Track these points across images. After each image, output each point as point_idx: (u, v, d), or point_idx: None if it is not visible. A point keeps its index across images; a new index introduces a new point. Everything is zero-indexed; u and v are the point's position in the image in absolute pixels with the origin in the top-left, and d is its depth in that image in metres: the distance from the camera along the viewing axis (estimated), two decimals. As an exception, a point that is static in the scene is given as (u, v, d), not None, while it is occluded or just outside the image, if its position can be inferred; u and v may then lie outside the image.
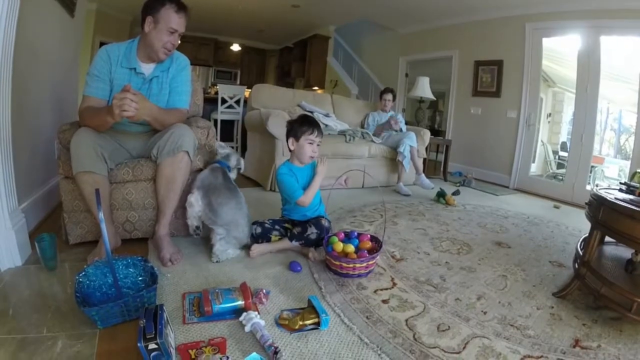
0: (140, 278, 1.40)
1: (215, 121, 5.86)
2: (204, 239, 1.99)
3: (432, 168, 5.82)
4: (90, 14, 6.52)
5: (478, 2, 5.37)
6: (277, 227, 2.02)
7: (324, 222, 1.93)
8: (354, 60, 8.17)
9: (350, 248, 1.77)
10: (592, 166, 4.79)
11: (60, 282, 1.53)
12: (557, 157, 5.98)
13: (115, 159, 1.85)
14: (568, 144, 6.07)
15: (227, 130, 6.03)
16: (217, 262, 1.76)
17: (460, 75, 6.19)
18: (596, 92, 4.48)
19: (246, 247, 1.91)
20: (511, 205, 3.86)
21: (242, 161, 2.06)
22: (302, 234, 1.89)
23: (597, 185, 4.79)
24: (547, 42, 5.11)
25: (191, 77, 2.11)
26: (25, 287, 1.48)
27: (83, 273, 1.35)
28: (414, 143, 4.02)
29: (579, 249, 1.81)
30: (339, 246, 1.78)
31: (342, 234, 1.96)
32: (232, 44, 9.19)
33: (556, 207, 4.05)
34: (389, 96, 4.50)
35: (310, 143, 1.95)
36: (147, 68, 1.91)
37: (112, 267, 1.17)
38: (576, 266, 1.76)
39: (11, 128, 1.65)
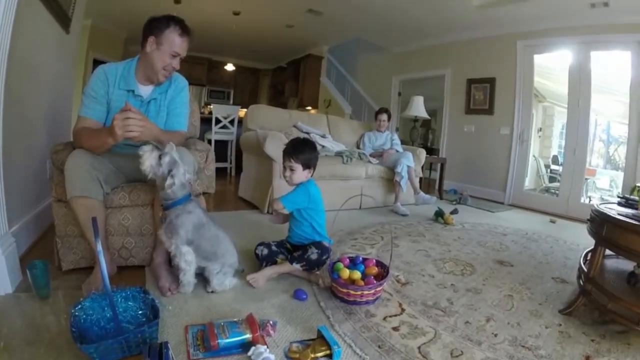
0: (140, 312, 1.33)
1: (210, 141, 5.83)
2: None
3: (426, 185, 5.81)
4: (85, 29, 6.48)
5: (470, 21, 5.47)
6: (281, 249, 1.98)
7: (325, 243, 1.89)
8: (346, 80, 8.21)
9: (357, 275, 1.72)
10: (585, 178, 4.85)
11: (53, 311, 1.44)
12: (549, 170, 6.07)
13: (111, 182, 1.80)
14: (559, 158, 6.23)
15: (221, 151, 5.99)
16: (212, 292, 1.70)
17: (453, 94, 6.26)
18: (588, 106, 4.60)
19: (238, 272, 1.85)
20: (508, 221, 3.87)
21: (185, 171, 1.66)
22: (303, 255, 1.83)
23: (589, 198, 4.87)
24: (537, 58, 5.22)
25: (189, 98, 2.07)
26: (17, 317, 1.40)
27: (79, 306, 1.28)
28: (411, 163, 4.01)
29: (582, 265, 1.80)
30: (345, 273, 1.73)
31: (347, 260, 1.91)
32: (225, 64, 9.20)
33: (552, 221, 4.09)
34: (384, 116, 4.50)
35: (284, 167, 1.96)
36: (146, 90, 1.87)
37: (112, 302, 1.10)
38: (581, 282, 1.76)
39: (2, 146, 1.59)
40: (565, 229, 3.79)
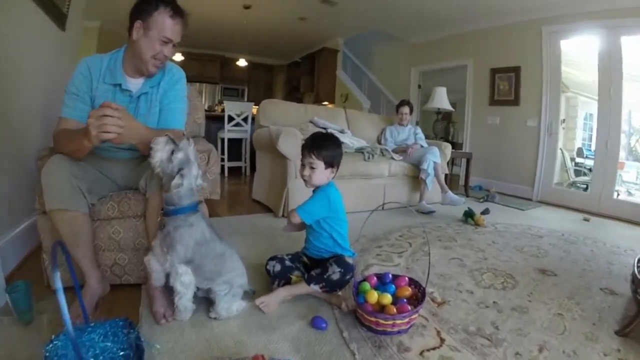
0: (122, 353, 1.07)
1: (222, 140, 5.63)
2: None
3: (448, 182, 5.47)
4: (94, 31, 6.37)
5: (491, 8, 5.14)
6: (297, 264, 1.71)
7: (348, 259, 1.59)
8: (363, 73, 7.95)
9: (387, 299, 1.44)
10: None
11: (36, 338, 1.24)
12: (574, 163, 5.75)
13: (98, 191, 1.57)
14: (584, 150, 5.97)
15: (234, 150, 5.79)
16: (215, 318, 1.44)
17: (475, 84, 5.93)
18: (620, 95, 4.30)
19: (248, 294, 1.59)
20: (540, 220, 3.63)
21: (198, 175, 1.44)
22: (322, 275, 1.54)
23: (617, 192, 4.56)
24: (562, 44, 4.90)
25: (187, 91, 1.80)
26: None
27: (51, 345, 1.05)
28: (438, 159, 3.70)
29: (637, 273, 1.55)
30: (373, 296, 1.45)
31: (375, 278, 1.62)
32: (238, 60, 9.00)
33: (586, 219, 3.86)
34: (406, 109, 4.20)
35: (302, 165, 1.69)
36: (135, 84, 1.62)
37: (79, 353, 0.85)
38: (638, 297, 1.50)
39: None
40: (601, 228, 3.55)
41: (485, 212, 3.50)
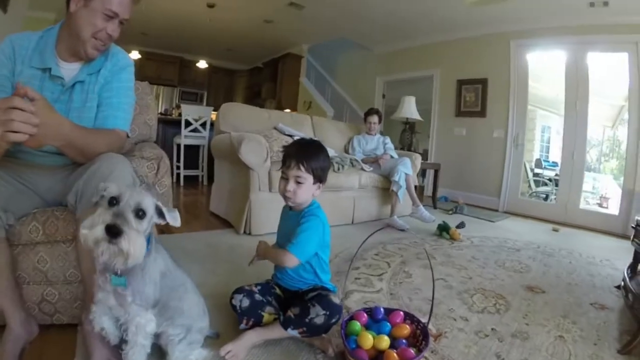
0: None
1: (179, 146, 5.25)
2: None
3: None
4: (47, 23, 5.84)
5: (460, 19, 5.14)
6: (269, 297, 1.37)
7: (334, 299, 1.28)
8: (327, 81, 7.79)
9: (385, 342, 1.17)
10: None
11: None
12: (532, 174, 5.95)
13: (19, 207, 1.22)
14: (542, 161, 6.35)
15: (191, 157, 5.41)
16: None
17: (442, 95, 5.92)
18: (586, 108, 4.44)
19: (210, 338, 1.28)
20: (512, 232, 3.63)
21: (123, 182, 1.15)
22: (303, 318, 1.22)
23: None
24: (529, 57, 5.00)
25: (134, 84, 1.47)
26: None
27: None
28: (409, 170, 3.52)
29: (632, 288, 1.59)
30: (367, 340, 1.17)
31: (365, 316, 1.34)
32: (198, 62, 8.58)
33: (555, 230, 3.90)
34: (374, 118, 4.02)
35: (284, 178, 1.37)
36: (69, 69, 1.30)
37: None
38: (636, 313, 1.53)
39: None
40: (571, 238, 3.62)
41: (461, 225, 3.35)
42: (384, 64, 6.94)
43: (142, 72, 8.04)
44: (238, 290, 1.34)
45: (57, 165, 1.32)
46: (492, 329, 1.56)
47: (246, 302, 1.31)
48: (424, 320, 1.36)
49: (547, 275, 2.34)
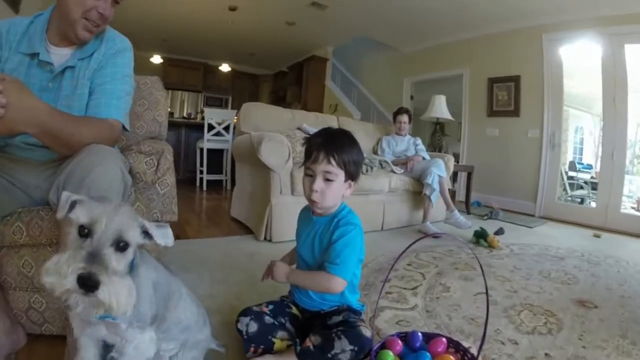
0: None
1: (202, 150, 5.16)
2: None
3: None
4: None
5: (488, 15, 4.88)
6: (282, 319, 1.15)
7: (364, 331, 1.03)
8: (353, 84, 7.61)
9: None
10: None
11: None
12: (567, 177, 5.62)
13: (3, 205, 1.09)
14: (576, 164, 6.05)
15: (215, 161, 5.31)
16: None
17: (472, 95, 5.63)
18: (625, 105, 4.12)
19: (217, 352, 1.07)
20: (553, 238, 3.37)
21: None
22: (325, 352, 0.98)
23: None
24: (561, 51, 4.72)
25: (132, 70, 1.30)
26: None
27: None
28: (443, 172, 3.26)
29: None
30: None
31: (399, 343, 1.09)
32: (221, 66, 8.56)
33: (596, 235, 3.61)
34: (404, 117, 3.79)
35: (309, 175, 1.13)
36: (60, 54, 1.16)
37: None
38: None
39: None
40: (614, 244, 3.35)
41: (499, 232, 3.08)
42: (411, 65, 6.70)
43: (165, 78, 8.09)
44: (245, 312, 1.11)
45: (45, 160, 1.17)
46: (546, 354, 1.32)
47: (254, 327, 1.08)
48: (468, 345, 1.12)
49: (596, 287, 2.10)
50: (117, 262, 0.69)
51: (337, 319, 1.09)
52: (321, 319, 1.13)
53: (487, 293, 0.99)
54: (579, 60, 4.80)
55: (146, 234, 0.77)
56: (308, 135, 3.00)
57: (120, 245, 0.71)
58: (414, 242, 1.20)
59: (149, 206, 1.31)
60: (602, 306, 1.81)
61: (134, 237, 0.73)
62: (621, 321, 1.66)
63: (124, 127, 1.24)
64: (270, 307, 1.15)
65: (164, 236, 0.79)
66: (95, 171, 0.94)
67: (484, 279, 1.07)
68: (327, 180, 1.09)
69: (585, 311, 1.73)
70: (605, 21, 4.10)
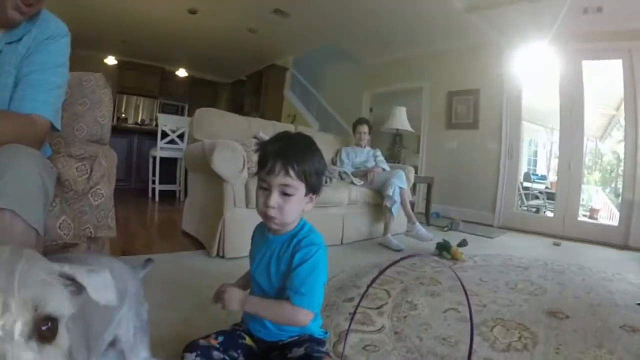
0: None
1: (154, 159, 4.88)
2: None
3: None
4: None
5: (451, 29, 4.98)
6: (234, 353, 0.96)
7: None
8: (312, 94, 7.54)
9: None
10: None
11: None
12: (522, 188, 5.82)
13: None
14: (530, 175, 6.39)
15: (168, 171, 5.03)
16: None
17: (432, 107, 5.72)
18: (582, 118, 4.33)
19: None
20: (514, 248, 3.43)
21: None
22: None
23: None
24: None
25: (67, 60, 1.11)
26: None
27: None
28: (404, 184, 3.21)
29: None
30: None
31: None
32: (179, 71, 8.29)
33: (556, 244, 3.75)
34: (365, 128, 3.75)
35: (263, 188, 0.96)
36: None
37: None
38: None
39: None
40: (575, 252, 3.46)
41: (463, 243, 3.05)
42: (371, 77, 6.74)
43: (121, 81, 7.74)
44: (190, 347, 0.92)
45: None
46: (526, 375, 1.23)
47: None
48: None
49: (564, 296, 2.10)
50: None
51: (299, 351, 0.93)
52: (280, 351, 0.98)
53: (471, 321, 0.88)
54: (537, 75, 4.98)
55: (73, 283, 0.47)
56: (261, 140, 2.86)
57: (48, 327, 0.41)
58: (391, 265, 1.08)
59: (79, 220, 1.12)
60: (574, 316, 1.79)
61: (61, 300, 0.44)
62: (595, 330, 1.64)
63: (53, 127, 1.05)
64: (220, 338, 0.97)
65: (102, 290, 0.48)
66: (5, 178, 0.75)
67: (467, 297, 0.96)
68: (285, 194, 0.94)
69: (557, 322, 1.70)
70: (564, 38, 4.24)
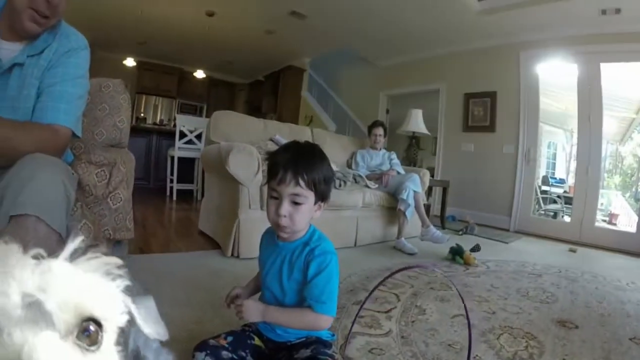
0: None
1: (172, 158, 4.98)
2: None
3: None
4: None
5: (467, 30, 4.95)
6: (243, 352, 1.00)
7: None
8: (329, 96, 7.57)
9: None
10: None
11: None
12: (540, 192, 5.73)
13: None
14: (549, 179, 6.27)
15: (185, 170, 5.13)
16: None
17: (448, 110, 5.69)
18: (600, 121, 4.25)
19: None
20: (529, 254, 3.37)
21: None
22: None
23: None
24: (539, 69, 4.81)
25: (87, 72, 1.17)
26: None
27: None
28: (418, 188, 3.21)
29: None
30: None
31: None
32: (196, 72, 8.38)
33: (572, 250, 3.67)
34: (379, 130, 3.75)
35: (274, 198, 1.00)
36: (9, 49, 1.04)
37: None
38: None
39: None
40: (590, 259, 3.39)
41: (476, 248, 3.02)
42: (388, 78, 6.73)
43: (139, 82, 7.86)
44: (201, 347, 0.96)
45: None
46: (532, 385, 1.24)
47: None
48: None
49: (576, 305, 2.06)
50: None
51: (306, 353, 0.97)
52: (287, 352, 1.02)
53: (469, 328, 0.90)
54: (555, 77, 4.93)
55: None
56: (271, 150, 2.91)
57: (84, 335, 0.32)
58: (392, 273, 1.10)
59: (99, 223, 1.18)
60: (583, 326, 1.77)
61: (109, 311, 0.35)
62: (603, 342, 1.61)
63: (74, 134, 1.11)
64: (230, 338, 1.01)
65: (149, 318, 0.41)
66: (29, 186, 0.81)
67: (465, 307, 0.98)
68: (296, 203, 0.97)
69: (566, 332, 1.68)
70: (581, 40, 4.21)
